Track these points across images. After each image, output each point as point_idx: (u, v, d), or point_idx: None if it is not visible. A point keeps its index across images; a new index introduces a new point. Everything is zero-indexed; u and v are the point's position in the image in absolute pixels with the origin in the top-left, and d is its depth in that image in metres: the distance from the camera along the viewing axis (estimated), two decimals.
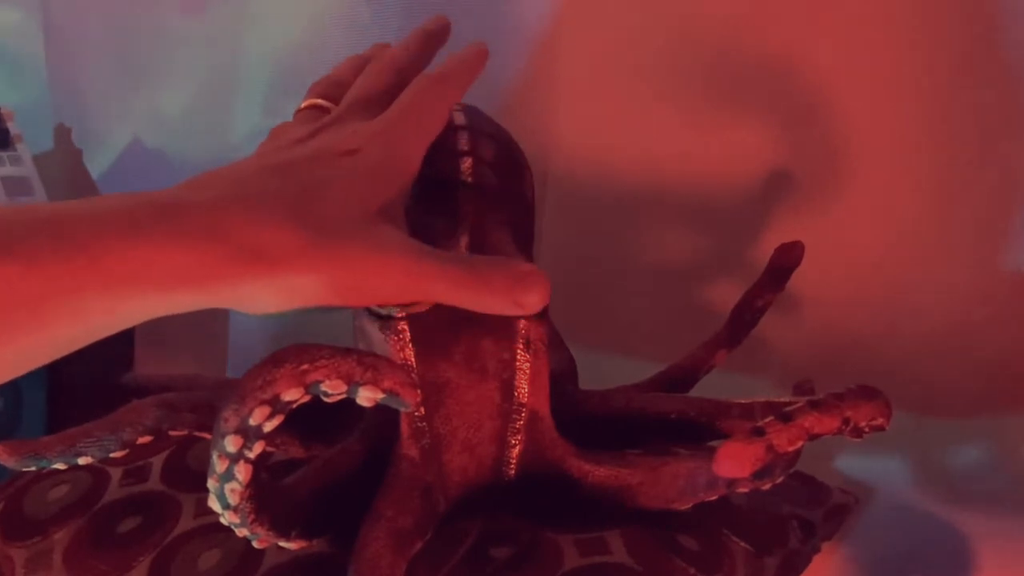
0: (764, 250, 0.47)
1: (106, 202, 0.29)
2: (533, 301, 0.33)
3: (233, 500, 0.32)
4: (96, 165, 0.85)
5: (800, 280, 0.46)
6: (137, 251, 0.28)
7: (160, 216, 0.29)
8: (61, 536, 0.40)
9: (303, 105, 0.39)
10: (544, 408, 0.39)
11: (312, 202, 0.31)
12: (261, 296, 0.30)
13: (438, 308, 0.37)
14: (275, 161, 0.33)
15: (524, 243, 0.41)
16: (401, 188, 0.34)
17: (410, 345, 0.37)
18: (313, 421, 0.41)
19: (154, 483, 0.43)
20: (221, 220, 0.29)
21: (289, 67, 0.68)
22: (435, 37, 0.42)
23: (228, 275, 0.29)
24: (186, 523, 0.40)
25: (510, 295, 0.33)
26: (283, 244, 0.30)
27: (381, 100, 0.37)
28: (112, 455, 0.39)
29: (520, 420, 0.39)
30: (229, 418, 0.30)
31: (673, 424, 0.42)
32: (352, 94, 0.38)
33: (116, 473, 0.43)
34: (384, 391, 0.31)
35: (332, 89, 0.39)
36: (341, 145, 0.34)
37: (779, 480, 0.39)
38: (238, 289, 0.30)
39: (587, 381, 0.47)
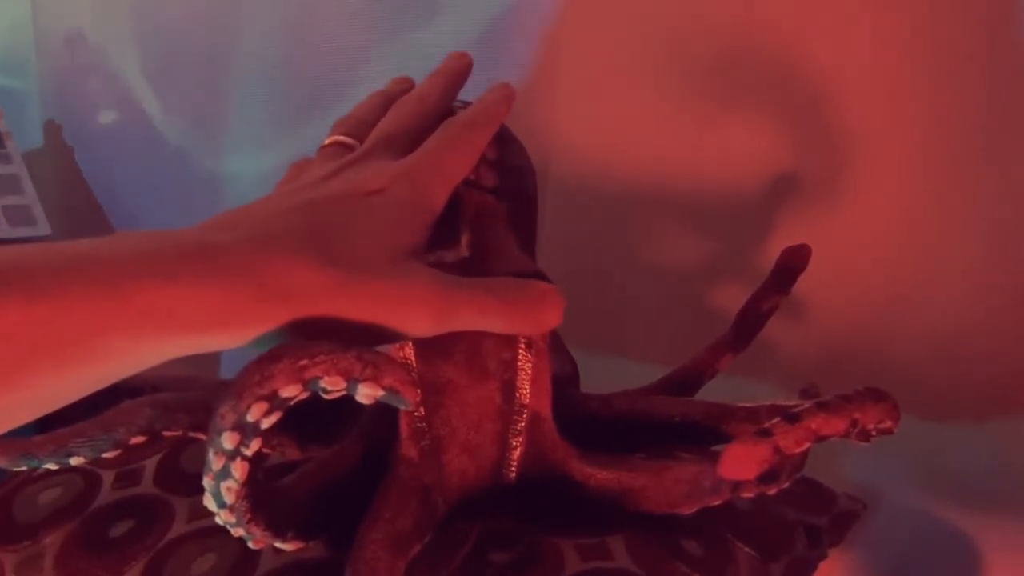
0: (770, 252, 0.47)
1: (132, 242, 0.29)
2: (552, 319, 0.34)
3: (229, 499, 0.31)
4: (88, 163, 0.84)
5: (806, 283, 0.45)
6: (165, 293, 0.27)
7: (188, 257, 0.29)
8: (52, 540, 0.39)
9: (327, 142, 0.39)
10: (546, 410, 0.39)
11: (339, 241, 0.31)
12: (290, 336, 0.30)
13: None
14: (301, 200, 0.33)
15: (526, 242, 0.41)
16: (424, 229, 0.34)
17: (410, 343, 0.37)
18: (310, 424, 0.41)
19: (147, 486, 0.42)
20: (249, 261, 0.29)
21: (286, 64, 0.68)
22: (459, 76, 0.42)
23: (257, 317, 0.29)
24: (180, 527, 0.40)
25: (532, 316, 0.34)
26: (311, 284, 0.30)
27: (406, 140, 0.37)
28: (104, 456, 0.38)
29: (521, 422, 0.39)
30: (226, 414, 0.29)
31: (677, 427, 0.42)
32: (377, 133, 0.38)
33: (108, 476, 0.42)
34: (384, 388, 0.30)
35: (356, 127, 0.39)
36: (367, 184, 0.34)
37: (785, 485, 0.39)
38: (266, 330, 0.29)
39: (589, 384, 0.47)
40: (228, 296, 0.28)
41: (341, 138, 0.39)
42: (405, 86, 0.43)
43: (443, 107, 0.40)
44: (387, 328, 0.31)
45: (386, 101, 0.41)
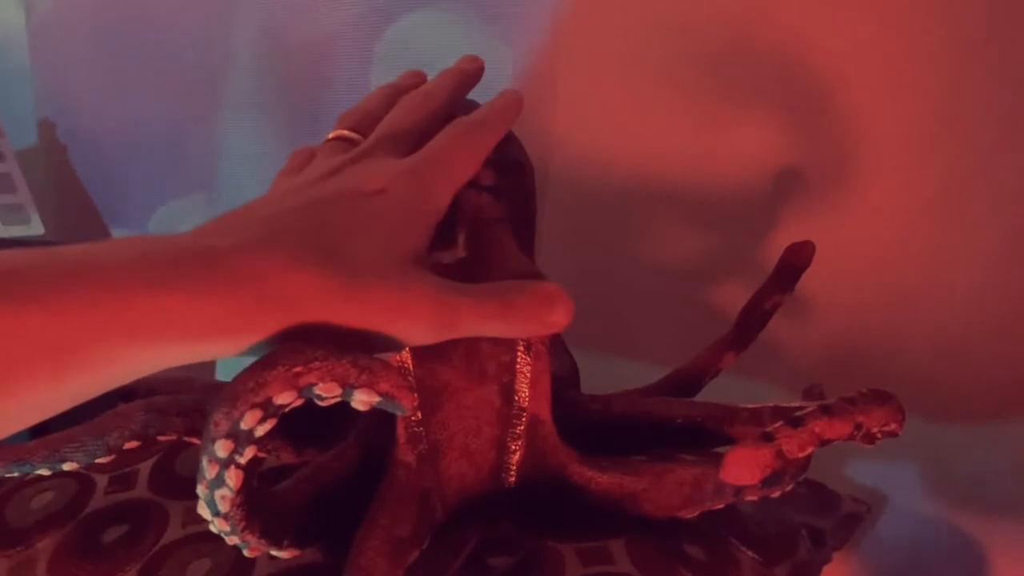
0: (773, 250, 0.46)
1: (128, 248, 0.28)
2: (560, 319, 0.33)
3: (223, 507, 0.31)
4: (82, 161, 0.83)
5: (810, 281, 0.45)
6: (161, 301, 0.27)
7: (185, 264, 0.28)
8: (45, 545, 0.39)
9: (332, 136, 0.38)
10: (545, 413, 0.39)
11: (341, 245, 0.30)
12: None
13: None
14: (302, 200, 0.32)
15: (525, 241, 0.41)
16: (427, 231, 0.34)
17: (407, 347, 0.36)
18: (307, 426, 0.41)
19: (141, 490, 0.41)
20: (247, 267, 0.29)
21: (278, 62, 0.67)
22: (470, 77, 0.41)
23: (256, 325, 0.28)
24: (174, 532, 0.39)
25: (538, 318, 0.33)
26: (311, 291, 0.29)
27: (411, 137, 0.37)
28: (98, 461, 0.38)
29: (520, 425, 0.38)
30: (220, 422, 0.29)
31: (679, 429, 0.41)
32: (382, 128, 0.37)
33: (102, 480, 0.42)
34: (380, 394, 0.29)
35: (362, 121, 0.38)
36: (370, 183, 0.33)
37: (788, 488, 0.38)
38: (267, 338, 0.29)
39: (589, 384, 0.46)
40: (227, 304, 0.28)
41: (346, 132, 0.38)
42: (416, 80, 0.42)
43: (450, 106, 0.39)
44: (388, 336, 0.30)
45: (394, 95, 0.40)
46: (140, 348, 0.27)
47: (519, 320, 0.33)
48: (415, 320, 0.31)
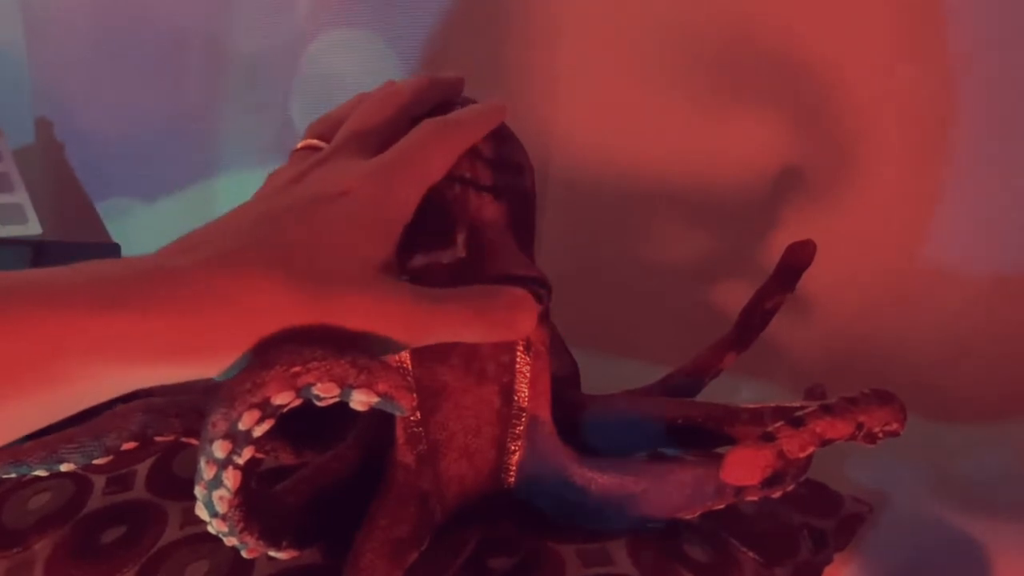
0: (773, 250, 0.46)
1: (93, 269, 0.28)
2: (528, 325, 0.34)
3: (221, 508, 0.30)
4: (80, 161, 0.83)
5: (811, 281, 0.44)
6: (116, 320, 0.27)
7: (141, 284, 0.28)
8: (42, 546, 0.39)
9: (299, 146, 0.38)
10: (545, 413, 0.38)
11: (307, 254, 0.30)
12: None
13: None
14: (266, 211, 0.32)
15: (525, 241, 0.40)
16: (394, 234, 0.33)
17: None
18: (306, 427, 0.40)
19: (139, 491, 0.41)
20: (210, 284, 0.28)
21: (279, 62, 0.67)
22: (445, 84, 0.40)
23: (227, 342, 0.28)
24: (172, 533, 0.39)
25: (505, 324, 0.34)
26: (279, 303, 0.29)
27: (376, 137, 0.36)
28: (95, 462, 0.38)
29: (520, 425, 0.38)
30: (217, 422, 0.29)
31: (679, 429, 0.41)
32: (345, 130, 0.36)
33: (99, 481, 0.42)
34: (378, 395, 0.29)
35: (330, 129, 0.38)
36: (333, 187, 0.32)
37: (789, 488, 0.38)
38: (239, 354, 0.28)
39: (590, 384, 0.46)
40: (191, 322, 0.27)
41: (313, 141, 0.37)
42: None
43: (416, 108, 0.38)
44: (360, 344, 0.30)
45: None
46: (100, 367, 0.27)
47: (486, 326, 0.33)
48: (385, 328, 0.30)
